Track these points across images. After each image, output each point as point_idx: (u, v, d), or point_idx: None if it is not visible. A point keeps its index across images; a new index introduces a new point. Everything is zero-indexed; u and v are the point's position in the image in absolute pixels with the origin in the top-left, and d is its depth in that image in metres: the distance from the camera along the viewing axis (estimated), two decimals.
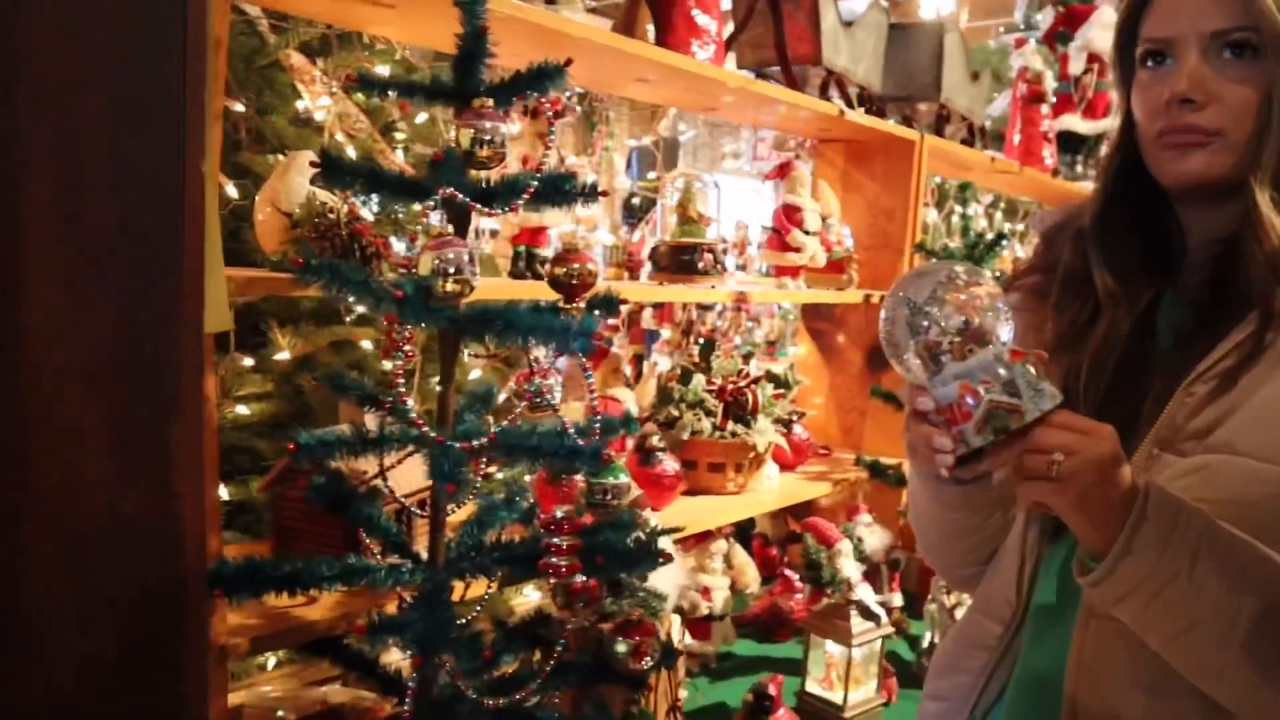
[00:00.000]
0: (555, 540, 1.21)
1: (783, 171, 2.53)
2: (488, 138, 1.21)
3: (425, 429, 1.18)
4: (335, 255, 1.50)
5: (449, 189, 1.16)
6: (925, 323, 0.99)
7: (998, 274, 2.67)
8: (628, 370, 2.45)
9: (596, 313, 1.28)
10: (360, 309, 1.98)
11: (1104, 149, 1.21)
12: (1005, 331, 0.99)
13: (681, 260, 2.14)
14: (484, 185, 1.24)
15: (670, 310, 3.47)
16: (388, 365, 1.53)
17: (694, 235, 2.16)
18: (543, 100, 1.31)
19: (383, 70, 2.04)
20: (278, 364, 1.85)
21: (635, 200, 4.08)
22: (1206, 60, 1.03)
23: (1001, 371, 0.94)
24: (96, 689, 0.70)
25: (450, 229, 1.18)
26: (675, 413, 2.17)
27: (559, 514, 1.21)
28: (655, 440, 2.00)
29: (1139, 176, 1.11)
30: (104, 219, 0.70)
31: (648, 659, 1.33)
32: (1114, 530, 0.93)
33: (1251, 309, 1.01)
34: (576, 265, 1.28)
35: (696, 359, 2.28)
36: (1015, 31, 4.99)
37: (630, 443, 2.08)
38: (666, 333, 3.11)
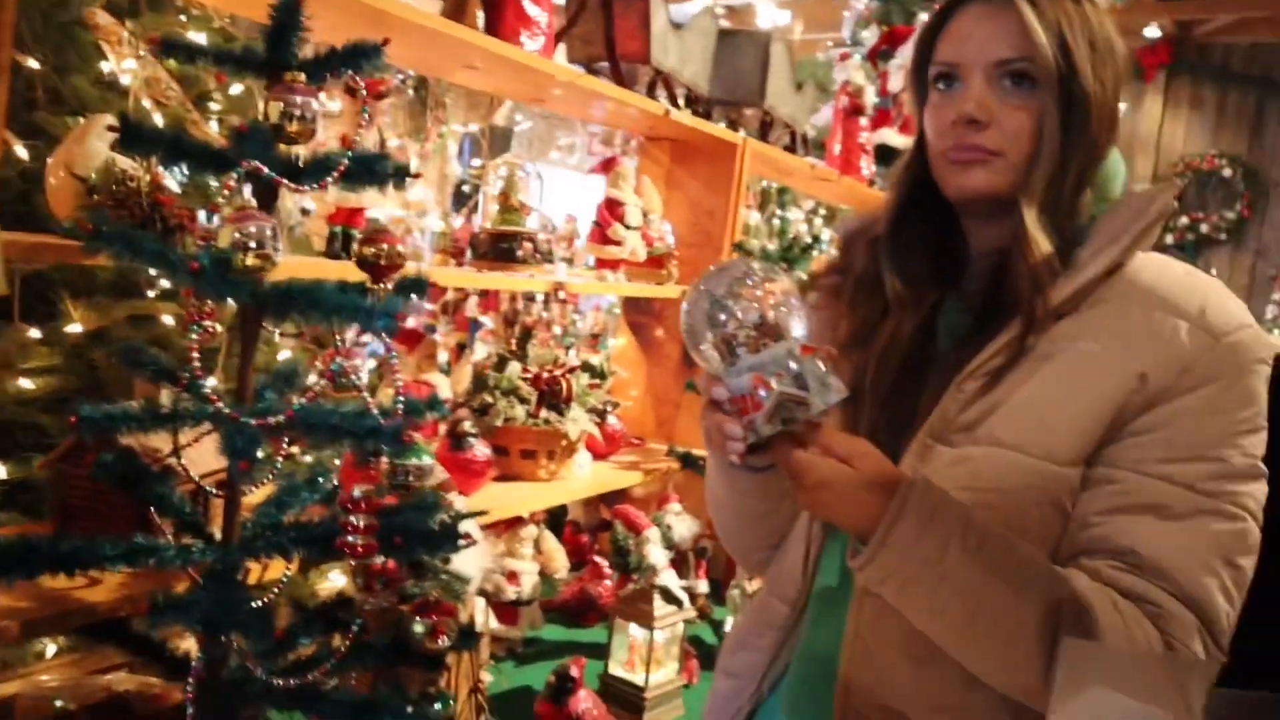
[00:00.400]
0: (352, 520, 1.20)
1: (607, 167, 2.57)
2: (298, 112, 1.19)
3: (219, 404, 1.15)
4: (134, 225, 1.45)
5: (254, 162, 1.14)
6: (723, 316, 1.03)
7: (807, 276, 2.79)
8: (444, 357, 2.44)
9: (403, 295, 1.28)
10: (165, 283, 1.91)
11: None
12: (798, 327, 1.04)
13: (501, 248, 2.15)
14: (293, 161, 1.23)
15: (495, 299, 3.47)
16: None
17: (514, 223, 2.17)
18: (356, 78, 1.30)
19: (198, 38, 1.97)
20: (68, 337, 1.76)
21: (466, 187, 4.06)
22: (990, 86, 1.10)
23: (792, 365, 0.99)
24: None
25: (254, 203, 1.16)
26: (489, 399, 2.18)
27: (357, 493, 1.21)
28: (467, 425, 2.00)
29: (928, 190, 1.18)
30: None
31: (445, 639, 1.34)
32: (876, 522, 1.01)
33: (1018, 315, 1.10)
34: (385, 246, 1.27)
35: (514, 347, 2.30)
36: (842, 47, 5.19)
37: (442, 428, 2.08)
38: (490, 322, 3.11)
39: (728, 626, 2.51)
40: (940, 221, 1.21)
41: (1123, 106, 1.18)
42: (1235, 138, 8.45)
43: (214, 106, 2.11)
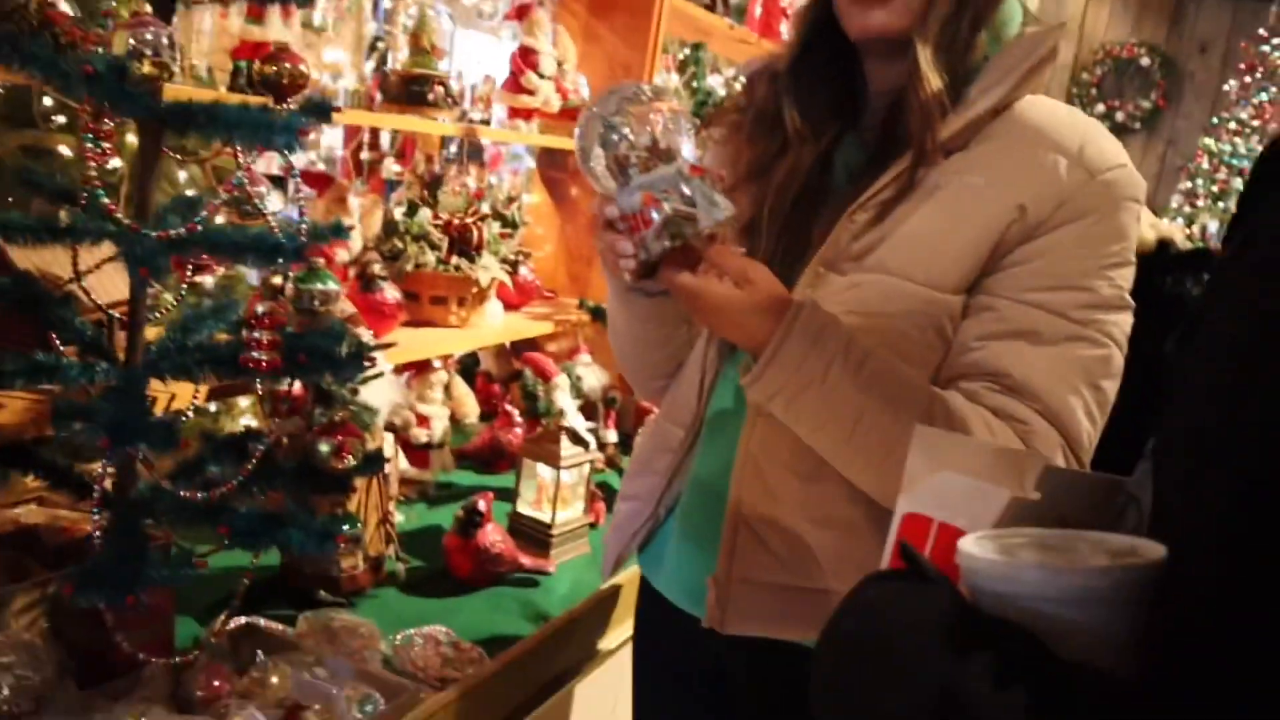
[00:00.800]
0: (256, 335, 1.22)
1: (521, 14, 2.53)
2: None
3: (118, 216, 1.15)
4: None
5: None
6: (615, 136, 1.06)
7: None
8: (355, 203, 2.42)
9: (306, 116, 1.27)
10: (61, 119, 1.86)
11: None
12: (687, 149, 1.08)
13: (412, 91, 2.12)
14: None
15: (411, 160, 3.42)
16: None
17: (426, 66, 2.14)
18: None
19: None
20: None
21: (380, 44, 3.95)
22: None
23: (682, 185, 1.02)
24: None
25: (149, 9, 1.13)
26: (400, 245, 2.18)
27: (260, 309, 1.22)
28: (377, 269, 2.01)
29: (831, 30, 1.20)
30: None
31: (350, 459, 1.38)
32: (767, 342, 1.08)
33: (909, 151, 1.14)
34: (287, 65, 1.26)
35: (425, 194, 2.29)
36: None
37: (352, 272, 2.08)
38: (405, 184, 3.08)
39: None
40: (841, 61, 1.23)
41: None
42: (1155, 27, 8.54)
43: None
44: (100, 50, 1.10)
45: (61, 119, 1.89)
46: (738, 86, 4.55)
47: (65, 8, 1.49)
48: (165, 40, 1.10)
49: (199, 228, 1.18)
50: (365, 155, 3.98)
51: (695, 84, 3.57)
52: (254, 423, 2.14)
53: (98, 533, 1.17)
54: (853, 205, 1.16)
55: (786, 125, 1.24)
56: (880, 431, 1.07)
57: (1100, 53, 8.45)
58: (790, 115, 1.23)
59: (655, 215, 1.01)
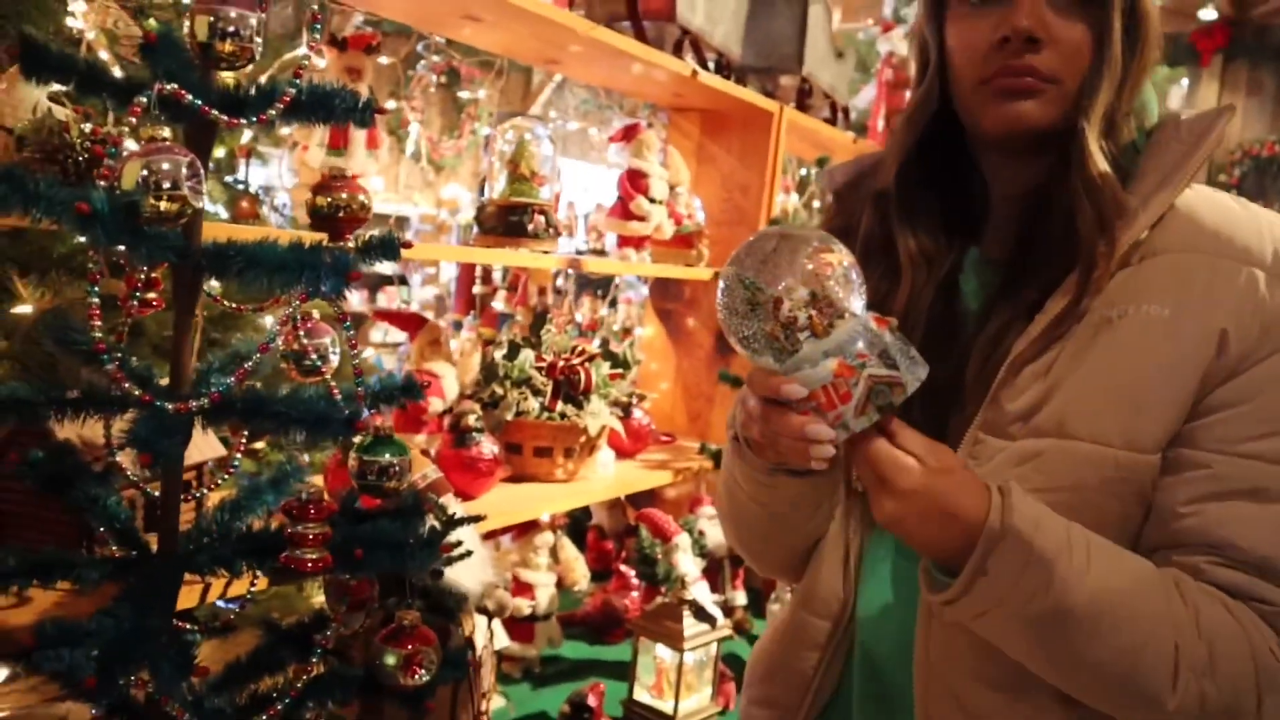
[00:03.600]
0: (298, 528, 0.98)
1: (628, 135, 2.33)
2: (231, 29, 0.97)
3: (125, 384, 0.93)
4: (65, 180, 1.26)
5: (169, 85, 0.92)
6: (766, 297, 0.87)
7: None
8: (453, 345, 2.22)
9: (367, 256, 1.05)
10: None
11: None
12: (858, 299, 0.88)
13: (510, 222, 1.92)
14: (230, 89, 1.01)
15: (525, 294, 3.25)
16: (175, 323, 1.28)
17: (525, 195, 1.94)
18: (373, 34, 1.08)
19: None
20: (17, 319, 1.56)
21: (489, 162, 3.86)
22: None
23: (874, 342, 0.86)
24: None
25: (166, 134, 0.93)
26: (500, 391, 1.96)
27: (304, 496, 0.99)
28: (472, 420, 1.78)
29: (945, 131, 1.05)
30: None
31: (422, 672, 1.11)
32: (959, 541, 0.87)
33: (1063, 268, 0.96)
34: (344, 195, 1.06)
35: (526, 333, 2.07)
36: (887, 18, 4.96)
37: (445, 423, 1.86)
38: (520, 316, 2.90)
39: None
40: (954, 164, 1.07)
41: (1180, 90, 1.02)
42: None
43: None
44: (109, 182, 0.89)
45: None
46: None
47: (133, 145, 1.34)
48: (184, 170, 0.89)
49: (223, 397, 0.95)
50: (477, 289, 3.84)
51: (818, 204, 3.35)
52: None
53: None
54: (1010, 354, 0.96)
55: (900, 250, 1.06)
56: (1120, 636, 0.87)
57: (1238, 152, 8.17)
58: (904, 239, 1.05)
59: (853, 384, 0.84)
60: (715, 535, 2.27)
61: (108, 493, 1.17)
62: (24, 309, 1.56)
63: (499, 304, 3.46)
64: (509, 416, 1.93)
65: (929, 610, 0.99)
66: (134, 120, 0.90)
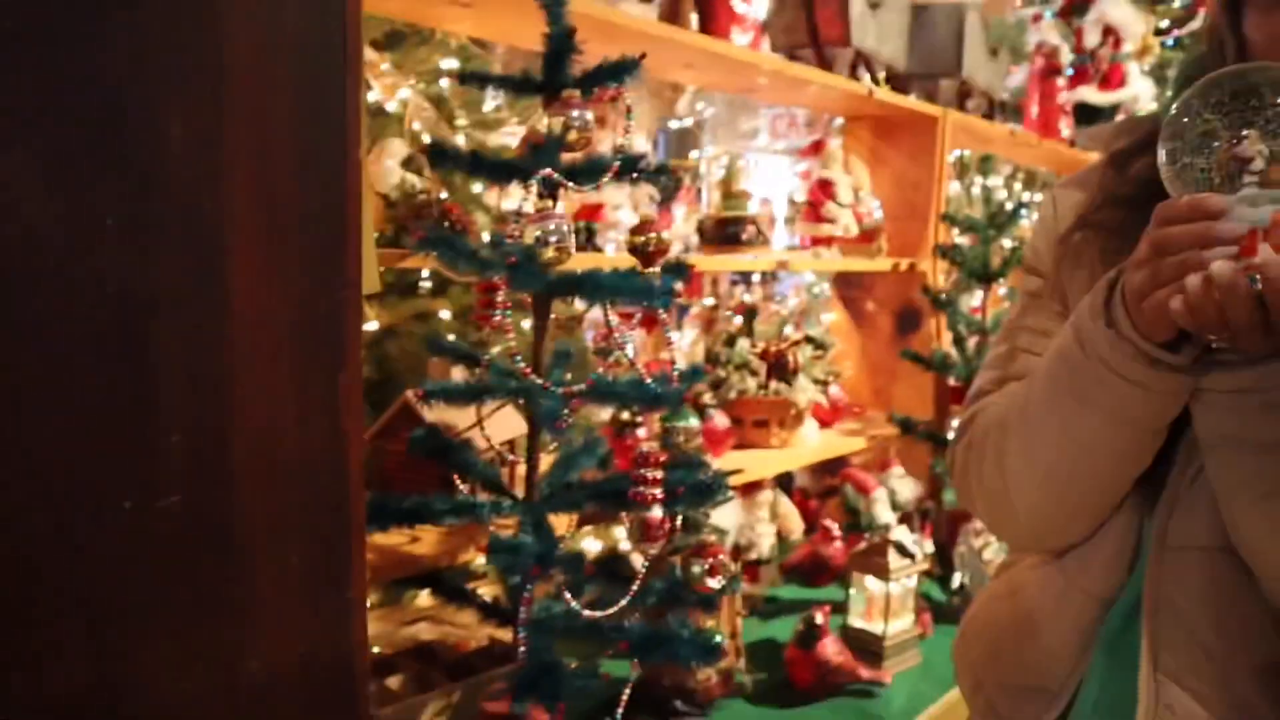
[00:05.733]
0: (644, 472, 1.38)
1: (816, 149, 2.70)
2: (576, 124, 1.39)
3: (531, 377, 1.36)
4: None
5: (547, 169, 1.34)
6: (1232, 135, 0.82)
7: (1017, 243, 2.84)
8: (676, 338, 2.63)
9: (671, 276, 1.46)
10: (428, 283, 2.18)
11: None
12: None
13: (727, 233, 2.32)
14: (573, 166, 1.42)
15: (699, 287, 3.65)
16: (474, 328, 1.72)
17: (738, 209, 2.33)
18: (615, 89, 1.49)
19: (448, 63, 2.22)
20: (366, 334, 2.03)
21: (663, 179, 4.24)
22: None
23: None
24: (286, 587, 0.86)
25: (550, 205, 1.36)
26: (723, 374, 2.35)
27: (645, 449, 1.39)
28: (707, 398, 2.18)
29: None
30: (290, 202, 0.84)
31: (720, 578, 1.51)
32: None
33: None
34: (653, 234, 1.46)
35: (740, 326, 2.46)
36: (1033, 6, 5.13)
37: None
38: (695, 308, 3.29)
39: (955, 583, 2.60)
40: None
41: None
42: None
43: (459, 123, 2.37)
44: (515, 240, 1.32)
45: (428, 284, 2.21)
46: (1017, 189, 4.55)
47: (446, 196, 1.77)
48: (565, 228, 1.32)
49: (595, 382, 1.37)
50: None
51: (986, 192, 3.62)
52: (598, 545, 2.35)
53: (521, 648, 1.35)
54: None
55: None
56: None
57: None
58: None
59: None
60: (905, 492, 2.62)
61: (474, 457, 1.61)
62: (371, 325, 2.04)
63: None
64: (732, 395, 2.33)
65: (1164, 542, 0.97)
66: (526, 191, 1.33)
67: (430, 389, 1.37)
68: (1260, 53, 0.94)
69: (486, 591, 1.94)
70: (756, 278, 3.32)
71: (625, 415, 1.95)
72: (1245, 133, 0.80)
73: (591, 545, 2.38)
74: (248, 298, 0.82)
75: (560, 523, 1.67)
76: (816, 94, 2.69)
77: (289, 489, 0.90)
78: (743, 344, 2.36)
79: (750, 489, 2.44)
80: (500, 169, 1.41)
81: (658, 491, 1.38)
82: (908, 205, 2.99)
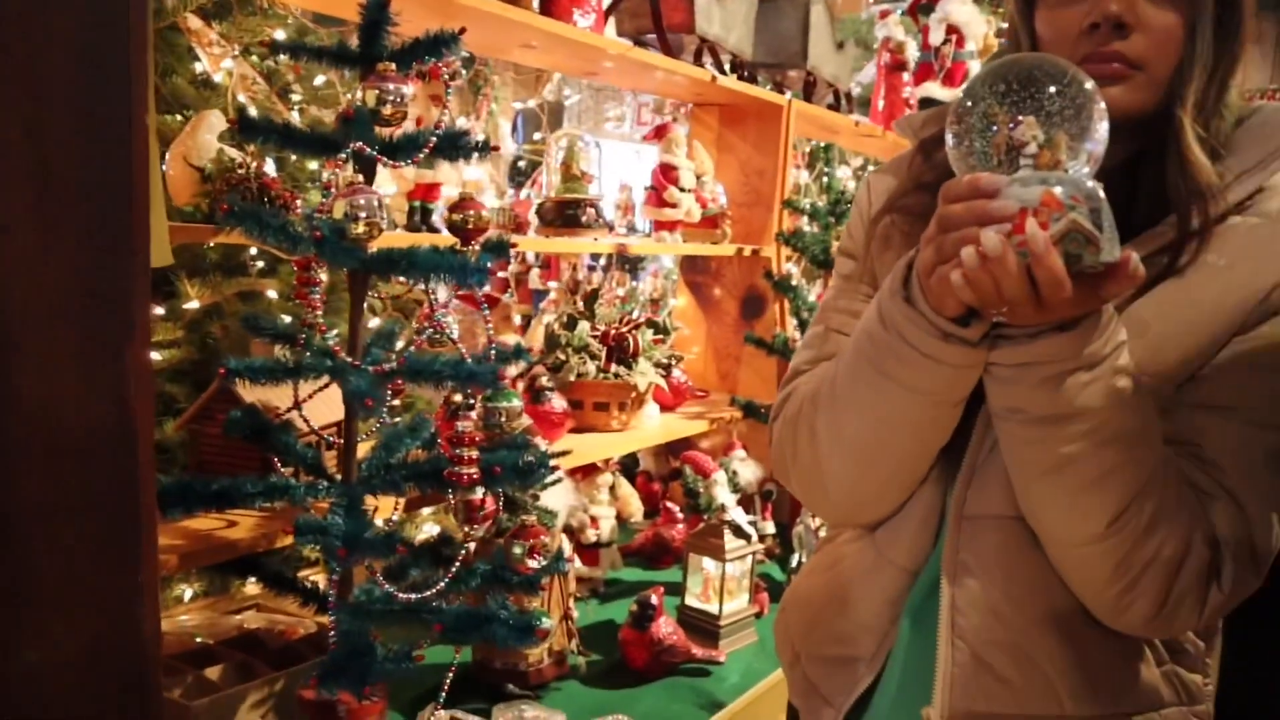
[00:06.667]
0: (459, 451, 1.37)
1: (660, 134, 2.71)
2: (391, 98, 1.36)
3: (342, 355, 1.33)
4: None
5: (359, 143, 1.31)
6: (1012, 119, 0.84)
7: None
8: (518, 320, 2.61)
9: (490, 254, 1.44)
10: (260, 262, 2.11)
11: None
12: (1090, 166, 0.85)
13: (567, 215, 2.31)
14: (389, 140, 1.39)
15: (556, 270, 3.64)
16: (298, 307, 1.67)
17: (577, 191, 2.33)
18: (437, 64, 1.46)
19: (279, 34, 2.15)
20: (186, 313, 1.96)
21: (521, 163, 4.21)
22: None
23: (1091, 197, 0.80)
24: (68, 572, 0.83)
25: (360, 179, 1.32)
26: (562, 357, 2.35)
27: (461, 428, 1.37)
28: (544, 380, 2.17)
29: None
30: (67, 168, 0.80)
31: (540, 559, 1.51)
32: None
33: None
34: (472, 212, 1.44)
35: (582, 308, 2.46)
36: (883, 3, 5.27)
37: (521, 384, 2.25)
38: (554, 291, 3.28)
39: (794, 562, 2.66)
40: None
41: None
42: None
43: (294, 98, 2.30)
44: (323, 214, 1.28)
45: (260, 263, 2.14)
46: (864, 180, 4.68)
47: (269, 170, 1.72)
48: (375, 203, 1.29)
49: (407, 360, 1.34)
50: (513, 268, 4.22)
51: (827, 180, 3.70)
52: (438, 529, 2.32)
53: (331, 632, 1.32)
54: None
55: None
56: (1123, 461, 0.90)
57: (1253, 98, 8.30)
58: None
59: (1055, 222, 0.79)
60: (747, 474, 2.66)
61: (293, 439, 1.57)
62: (191, 304, 1.96)
63: (535, 281, 3.84)
64: (572, 378, 2.32)
65: (961, 511, 1.01)
66: (337, 169, 1.29)
67: (234, 367, 1.32)
68: (1047, 45, 1.00)
69: (322, 578, 1.90)
70: (602, 261, 3.32)
71: (459, 397, 1.93)
72: (1021, 118, 0.84)
73: (431, 529, 2.36)
74: (20, 268, 0.78)
75: (386, 505, 1.64)
76: (663, 80, 2.70)
77: (70, 468, 0.86)
78: (583, 327, 2.36)
79: (590, 471, 2.45)
80: (311, 142, 1.37)
81: (473, 472, 1.37)
82: (753, 191, 3.03)
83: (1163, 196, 0.97)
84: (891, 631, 1.08)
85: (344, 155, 1.31)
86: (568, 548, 1.99)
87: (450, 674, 1.53)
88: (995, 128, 0.84)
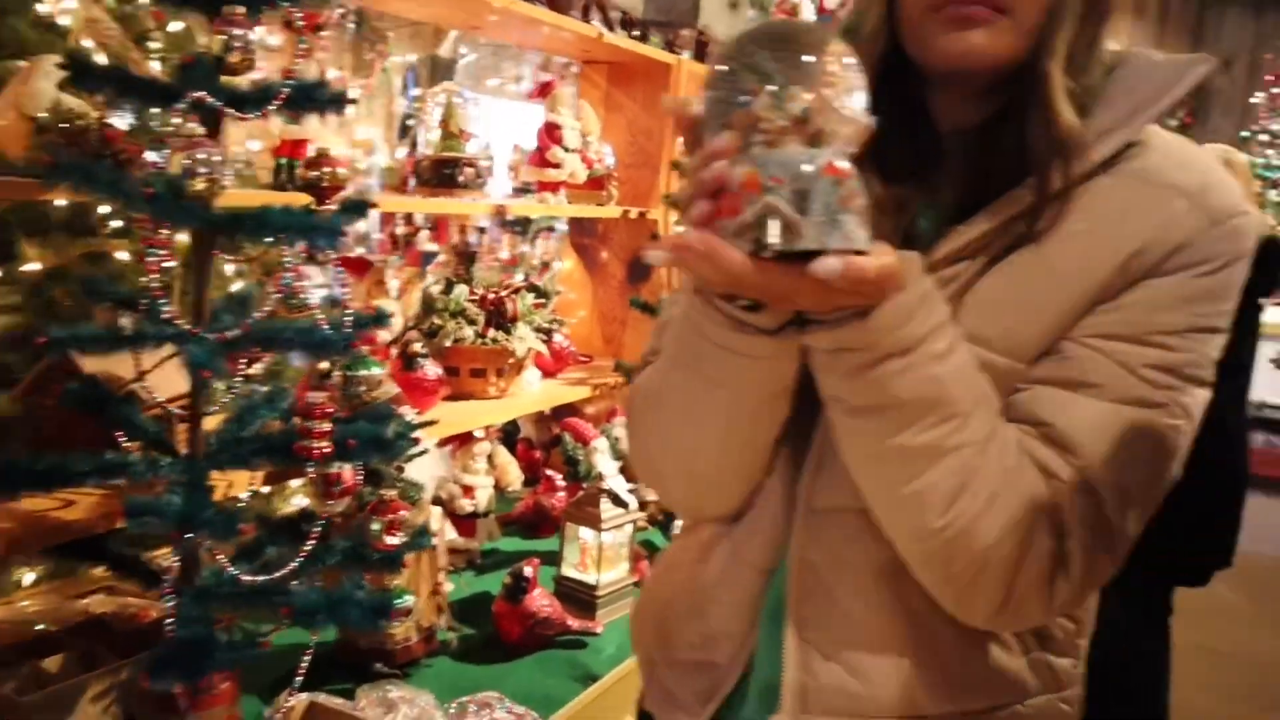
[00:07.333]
0: (308, 424, 1.29)
1: (544, 91, 2.63)
2: (238, 44, 1.26)
3: (179, 322, 1.23)
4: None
5: (199, 93, 1.21)
6: (748, 89, 0.74)
7: None
8: (393, 284, 2.52)
9: (346, 214, 1.36)
10: (116, 223, 1.97)
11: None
12: (844, 146, 0.75)
13: (443, 174, 2.22)
14: (236, 91, 1.30)
15: (446, 232, 3.53)
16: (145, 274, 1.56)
17: (455, 150, 2.24)
18: (293, 12, 1.37)
19: None
20: (26, 276, 1.82)
21: (411, 121, 4.08)
22: None
23: (800, 177, 0.70)
24: None
25: (202, 132, 1.23)
26: (439, 322, 2.27)
27: (310, 399, 1.30)
28: (417, 347, 2.09)
29: (898, 66, 0.93)
30: None
31: (400, 535, 1.44)
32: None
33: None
34: (328, 169, 1.35)
35: (459, 271, 2.38)
36: None
37: (394, 350, 2.17)
38: (442, 254, 3.19)
39: (674, 529, 2.64)
40: (908, 104, 0.96)
41: None
42: (1177, 45, 8.72)
43: (153, 46, 2.15)
44: (158, 169, 1.19)
45: (117, 223, 2.00)
46: None
47: (118, 124, 1.60)
48: (216, 158, 1.19)
49: (251, 327, 1.26)
50: (400, 230, 4.10)
51: None
52: (306, 503, 2.23)
53: (169, 619, 1.24)
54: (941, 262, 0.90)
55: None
56: (949, 453, 0.84)
57: None
58: (870, 182, 0.83)
59: (749, 206, 0.71)
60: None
61: (136, 412, 1.47)
62: (32, 266, 1.82)
63: (423, 243, 3.73)
64: (448, 343, 2.24)
65: (808, 505, 0.95)
66: (175, 122, 1.20)
67: (57, 336, 1.22)
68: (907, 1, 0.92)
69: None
70: (485, 221, 3.23)
71: (324, 365, 1.84)
72: (762, 89, 0.74)
73: (303, 502, 2.26)
74: None
75: (241, 480, 1.56)
76: (549, 36, 2.62)
77: None
78: (460, 290, 2.28)
79: (467, 440, 2.38)
80: (148, 90, 1.26)
81: (325, 445, 1.30)
82: (640, 153, 2.98)
83: (1024, 157, 0.89)
84: (751, 635, 1.01)
85: (184, 106, 1.21)
86: (437, 520, 1.93)
87: (306, 657, 1.46)
88: (741, 97, 0.74)
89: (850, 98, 0.74)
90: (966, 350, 0.85)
